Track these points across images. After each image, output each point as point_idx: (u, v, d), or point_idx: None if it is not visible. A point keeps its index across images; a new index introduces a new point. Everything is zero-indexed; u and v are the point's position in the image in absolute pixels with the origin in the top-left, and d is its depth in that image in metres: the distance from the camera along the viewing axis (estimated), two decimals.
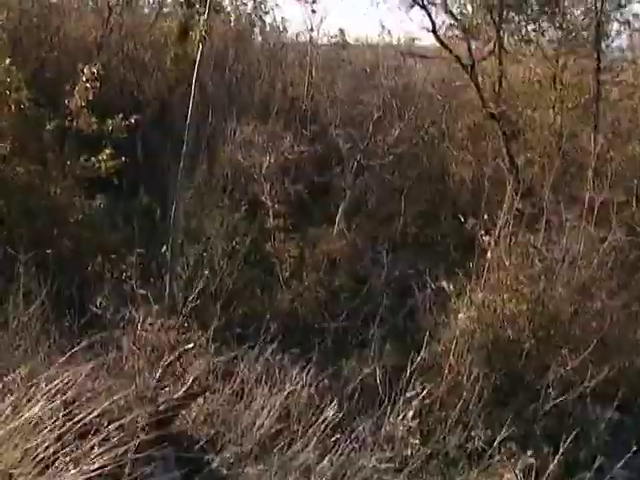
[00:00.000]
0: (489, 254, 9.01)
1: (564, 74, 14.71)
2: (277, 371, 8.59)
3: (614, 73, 15.05)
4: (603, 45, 14.99)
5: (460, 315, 8.62)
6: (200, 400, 8.06)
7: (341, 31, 16.89)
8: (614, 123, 14.33)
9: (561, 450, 7.76)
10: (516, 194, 10.63)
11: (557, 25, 15.48)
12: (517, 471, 7.93)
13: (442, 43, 14.72)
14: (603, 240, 9.78)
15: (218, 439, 7.83)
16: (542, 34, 15.78)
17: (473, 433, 8.13)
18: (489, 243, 9.06)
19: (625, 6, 14.81)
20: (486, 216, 9.67)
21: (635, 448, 8.26)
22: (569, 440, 7.86)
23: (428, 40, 15.75)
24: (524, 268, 9.27)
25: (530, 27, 15.80)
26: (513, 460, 7.93)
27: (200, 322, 9.23)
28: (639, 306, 10.50)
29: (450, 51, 14.54)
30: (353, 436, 7.79)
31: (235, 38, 16.64)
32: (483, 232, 9.14)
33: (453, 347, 8.45)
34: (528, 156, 13.37)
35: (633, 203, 12.30)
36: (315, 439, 7.66)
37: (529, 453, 8.08)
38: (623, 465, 8.18)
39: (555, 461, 7.69)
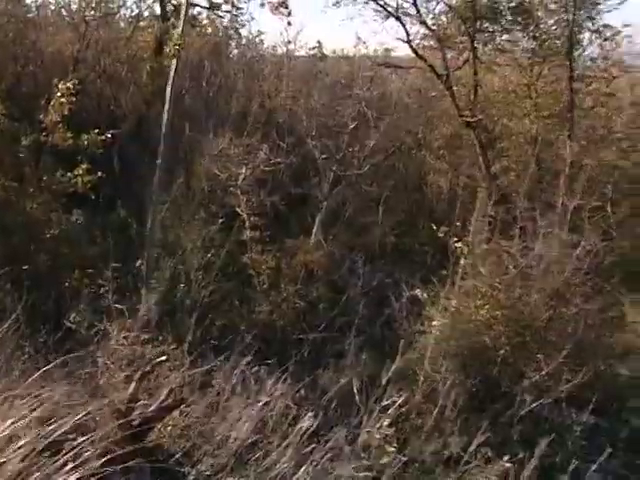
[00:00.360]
0: (462, 261, 9.05)
1: (538, 83, 14.85)
2: (253, 382, 8.59)
3: (587, 82, 15.18)
4: (576, 54, 15.17)
5: (434, 322, 8.65)
6: (176, 413, 8.03)
7: (318, 43, 17.00)
8: (588, 131, 14.46)
9: (537, 454, 7.79)
10: (491, 201, 10.71)
11: (530, 35, 15.63)
12: (494, 476, 7.95)
13: (417, 53, 14.84)
14: (577, 245, 9.84)
15: (194, 451, 7.81)
16: (516, 44, 15.95)
17: (449, 440, 8.14)
18: (462, 250, 9.11)
19: (595, 18, 14.97)
20: (459, 223, 9.72)
21: (610, 451, 8.32)
22: (545, 444, 7.90)
23: (403, 51, 15.88)
24: (498, 274, 9.31)
25: (504, 37, 15.96)
26: (490, 465, 7.94)
27: (176, 335, 9.21)
28: (615, 310, 10.59)
29: (425, 61, 14.65)
30: (329, 446, 7.79)
31: (212, 51, 16.68)
32: (455, 239, 9.18)
33: (428, 355, 8.47)
34: (504, 164, 13.46)
35: (608, 208, 12.41)
36: (291, 449, 7.66)
37: (505, 458, 8.10)
38: (598, 468, 8.25)
39: (531, 465, 7.72)
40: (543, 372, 8.76)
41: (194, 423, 8.12)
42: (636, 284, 11.28)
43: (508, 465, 8.01)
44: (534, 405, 8.58)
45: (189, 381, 8.47)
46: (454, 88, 14.50)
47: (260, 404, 8.17)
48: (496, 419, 8.53)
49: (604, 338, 9.86)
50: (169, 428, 7.97)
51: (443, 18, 15.93)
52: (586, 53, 15.70)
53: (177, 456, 7.73)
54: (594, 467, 8.18)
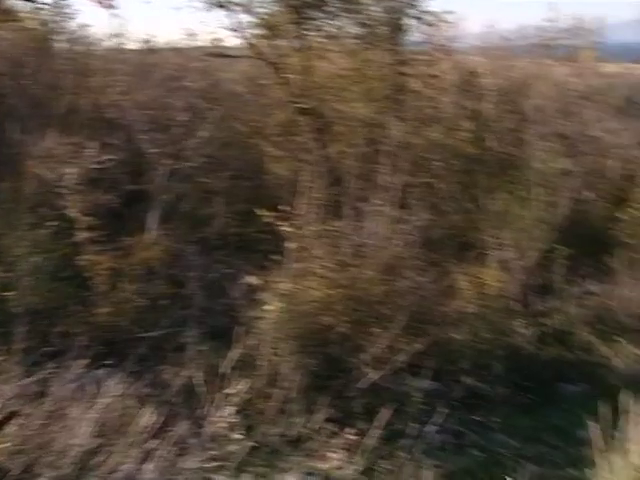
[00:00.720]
0: (292, 244, 9.22)
1: (367, 68, 15.29)
2: (93, 386, 8.33)
3: (414, 65, 15.81)
4: (401, 40, 15.79)
5: (270, 307, 8.75)
6: (9, 428, 7.64)
7: (148, 36, 16.61)
8: (416, 112, 15.04)
9: (379, 424, 8.06)
10: (325, 184, 10.95)
11: (357, 21, 16.06)
12: (340, 449, 8.19)
13: (247, 42, 14.87)
14: (407, 221, 10.28)
15: (34, 466, 7.47)
16: (344, 30, 16.33)
17: (295, 420, 8.29)
18: (292, 234, 9.27)
19: (417, 5, 15.58)
20: (290, 208, 9.85)
21: (447, 412, 8.79)
22: (386, 413, 8.18)
23: (234, 40, 15.85)
24: (332, 254, 9.55)
25: (332, 23, 16.28)
26: (335, 440, 8.17)
27: (6, 345, 8.74)
28: (447, 280, 11.16)
29: (256, 50, 14.72)
30: (175, 440, 7.70)
31: (35, 46, 15.85)
32: (285, 223, 9.30)
33: (268, 339, 8.57)
34: (338, 147, 13.77)
35: (438, 184, 13.04)
36: (135, 448, 7.51)
37: (350, 431, 8.35)
38: (438, 429, 8.70)
39: (374, 435, 7.98)
40: (382, 345, 9.10)
41: (31, 436, 7.76)
42: (465, 254, 11.95)
43: (353, 437, 8.28)
44: (375, 377, 8.90)
45: (22, 392, 8.08)
46: (287, 75, 14.68)
47: (101, 407, 7.95)
48: (340, 395, 8.78)
49: (438, 307, 10.37)
50: (4, 445, 7.57)
51: (272, 7, 16.07)
52: (411, 38, 16.44)
53: (15, 473, 7.36)
54: (434, 428, 8.64)
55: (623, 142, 16.28)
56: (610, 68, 20.09)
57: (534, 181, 13.37)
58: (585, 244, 13.63)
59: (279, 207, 9.45)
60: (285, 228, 9.20)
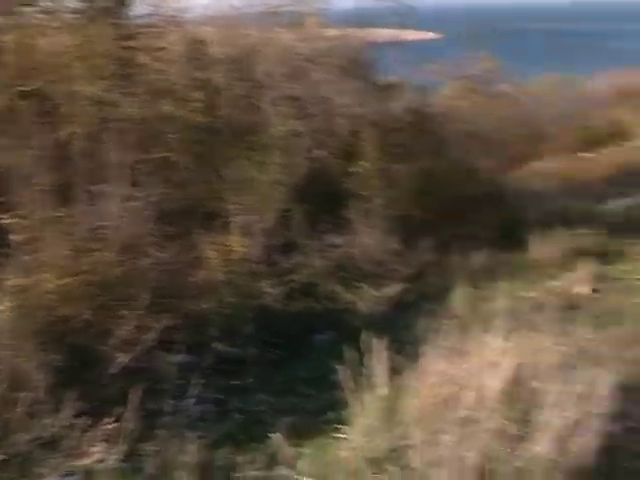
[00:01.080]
0: (17, 236, 8.73)
1: (90, 44, 14.66)
2: None
3: (141, 38, 15.46)
4: (126, 13, 15.37)
5: (0, 306, 8.24)
6: None
7: None
8: (146, 85, 14.75)
9: (132, 406, 7.99)
10: (54, 169, 10.42)
11: None
12: (98, 442, 8.00)
13: None
14: (141, 198, 10.14)
15: None
16: (62, 4, 15.50)
17: (46, 422, 7.94)
18: (15, 224, 8.77)
19: None
20: (14, 197, 9.29)
21: (203, 382, 8.93)
22: (137, 395, 8.11)
23: None
24: (66, 241, 9.19)
25: None
26: (91, 433, 7.96)
27: None
28: (194, 252, 11.23)
29: None
30: None
31: None
32: (2, 215, 8.76)
33: (4, 342, 8.06)
34: (67, 129, 13.09)
35: (173, 157, 12.96)
36: None
37: (108, 420, 8.18)
38: (197, 401, 8.84)
39: (129, 419, 7.91)
40: (129, 327, 8.97)
41: None
42: (210, 223, 12.08)
43: (111, 426, 8.11)
44: (125, 360, 8.78)
45: None
46: (2, 56, 13.63)
47: None
48: (92, 385, 8.55)
49: (185, 280, 10.43)
50: None
51: None
52: (137, 11, 16.04)
53: None
54: (192, 401, 8.75)
55: (348, 101, 17.27)
56: (333, 33, 21.17)
57: (269, 145, 13.82)
58: (323, 200, 14.42)
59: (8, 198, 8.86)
60: (5, 220, 8.66)
